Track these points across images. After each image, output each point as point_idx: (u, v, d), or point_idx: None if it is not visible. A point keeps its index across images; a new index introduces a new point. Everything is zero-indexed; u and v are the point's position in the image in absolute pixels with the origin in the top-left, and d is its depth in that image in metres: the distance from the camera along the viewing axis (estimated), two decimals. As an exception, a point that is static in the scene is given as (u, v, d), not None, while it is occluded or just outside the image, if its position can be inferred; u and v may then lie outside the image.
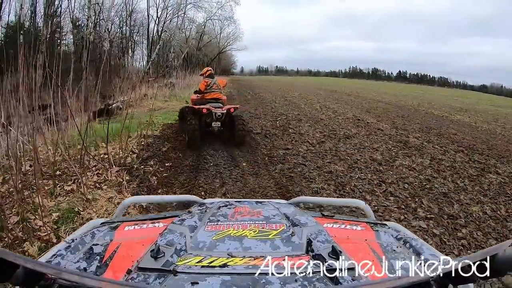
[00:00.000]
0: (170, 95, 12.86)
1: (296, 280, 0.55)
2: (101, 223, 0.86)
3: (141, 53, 21.80)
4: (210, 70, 5.79)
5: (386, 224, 0.88)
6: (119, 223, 0.85)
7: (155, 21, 20.42)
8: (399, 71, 66.75)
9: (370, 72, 69.24)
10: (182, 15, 20.11)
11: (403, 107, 12.35)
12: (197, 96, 5.78)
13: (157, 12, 20.34)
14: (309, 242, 0.68)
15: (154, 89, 12.61)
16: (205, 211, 0.88)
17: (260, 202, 0.97)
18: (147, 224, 0.83)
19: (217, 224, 0.78)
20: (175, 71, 17.31)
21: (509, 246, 0.44)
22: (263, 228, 0.75)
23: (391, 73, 67.00)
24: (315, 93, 17.18)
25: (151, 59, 19.30)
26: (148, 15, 20.47)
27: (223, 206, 0.92)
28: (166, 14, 19.93)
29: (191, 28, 23.62)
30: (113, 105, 8.48)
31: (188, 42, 22.85)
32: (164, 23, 19.65)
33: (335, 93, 17.95)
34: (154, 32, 20.67)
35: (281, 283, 0.54)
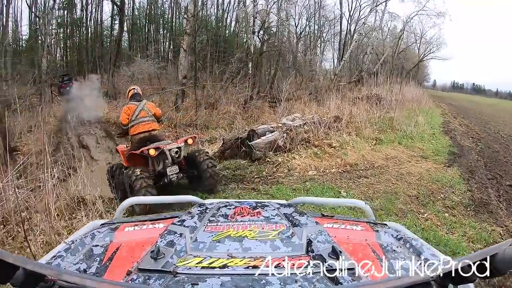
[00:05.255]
0: (383, 122, 6.73)
1: (296, 281, 0.55)
2: (101, 224, 0.86)
3: (331, 53, 18.25)
4: (134, 89, 3.88)
5: (386, 224, 0.88)
6: (119, 224, 0.85)
7: (347, 19, 16.91)
8: None
9: None
10: (382, 8, 15.86)
11: None
12: (126, 145, 3.93)
13: (349, 8, 16.71)
14: (309, 243, 0.68)
15: (347, 101, 7.50)
16: (205, 211, 0.88)
17: (260, 203, 0.97)
18: (147, 225, 0.83)
19: (217, 224, 0.78)
20: (376, 78, 12.11)
21: (509, 245, 0.45)
22: (263, 228, 0.75)
23: None
24: None
25: (343, 60, 15.44)
26: (341, 6, 16.79)
27: (223, 207, 0.91)
28: (360, 8, 16.21)
29: (388, 28, 18.51)
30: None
31: (384, 44, 18.06)
32: (358, 20, 16.03)
33: None
34: (347, 30, 17.00)
35: (281, 283, 0.54)
